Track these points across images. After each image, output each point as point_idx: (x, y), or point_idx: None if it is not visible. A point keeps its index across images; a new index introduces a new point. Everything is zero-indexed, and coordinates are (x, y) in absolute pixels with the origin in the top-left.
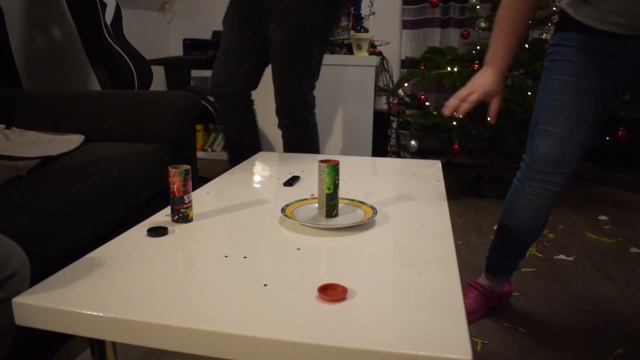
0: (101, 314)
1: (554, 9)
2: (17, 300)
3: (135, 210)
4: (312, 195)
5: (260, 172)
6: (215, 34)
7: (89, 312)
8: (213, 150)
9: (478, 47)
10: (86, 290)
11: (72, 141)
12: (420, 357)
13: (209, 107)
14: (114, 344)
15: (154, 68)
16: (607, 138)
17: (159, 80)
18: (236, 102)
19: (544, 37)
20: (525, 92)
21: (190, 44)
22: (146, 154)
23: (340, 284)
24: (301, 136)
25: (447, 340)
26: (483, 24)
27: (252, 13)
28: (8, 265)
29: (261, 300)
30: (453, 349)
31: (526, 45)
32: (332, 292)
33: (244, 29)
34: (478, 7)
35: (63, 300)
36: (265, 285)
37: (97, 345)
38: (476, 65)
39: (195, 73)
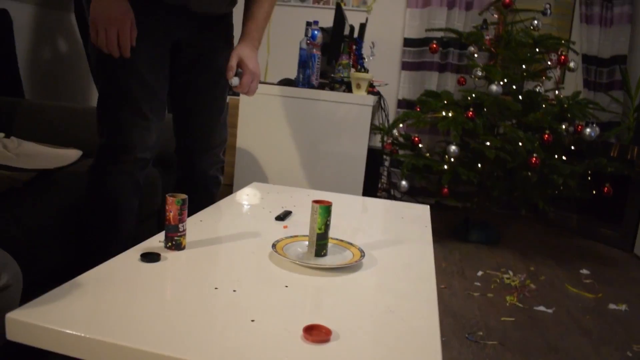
0: (88, 336)
1: (549, 63)
2: (9, 316)
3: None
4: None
5: (253, 203)
6: None
7: (76, 333)
8: None
9: (473, 95)
10: (77, 310)
11: (69, 156)
12: None
13: None
14: None
15: None
16: (594, 192)
17: None
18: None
19: (537, 89)
20: (516, 143)
21: None
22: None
23: (325, 325)
24: (207, 197)
25: None
26: (480, 73)
27: (166, 54)
28: (1, 278)
29: (248, 336)
30: None
31: (519, 97)
32: (316, 333)
33: (163, 73)
34: (476, 55)
35: (53, 319)
36: (252, 320)
37: None
38: (470, 113)
39: None
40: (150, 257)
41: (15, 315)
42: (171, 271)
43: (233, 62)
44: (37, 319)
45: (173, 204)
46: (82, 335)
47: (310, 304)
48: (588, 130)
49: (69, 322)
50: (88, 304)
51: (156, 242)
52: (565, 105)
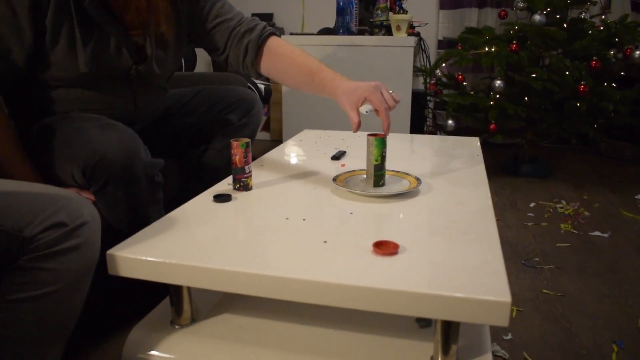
0: (181, 263)
1: None
2: (110, 252)
3: None
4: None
5: (308, 147)
6: (254, 16)
7: (169, 261)
8: None
9: (516, 27)
10: (166, 244)
11: None
12: (466, 299)
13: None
14: (189, 291)
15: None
16: None
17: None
18: None
19: (582, 16)
20: (563, 72)
21: None
22: None
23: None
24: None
25: (489, 286)
26: (521, 4)
27: None
28: (80, 215)
29: (323, 253)
30: (495, 293)
31: (564, 25)
32: (385, 247)
33: None
34: None
35: (147, 253)
36: (325, 242)
37: (175, 293)
38: (514, 45)
39: None
40: (222, 197)
41: (115, 252)
42: (243, 208)
43: (355, 119)
44: (135, 253)
45: (238, 148)
46: (173, 262)
47: (375, 226)
48: (638, 53)
49: (164, 253)
50: (177, 238)
51: (225, 185)
52: (613, 30)
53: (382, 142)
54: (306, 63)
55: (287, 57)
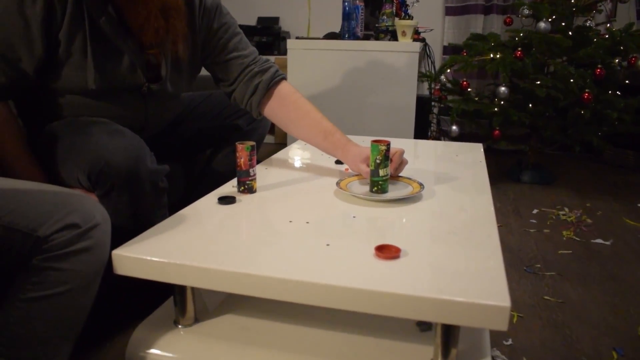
0: (185, 263)
1: None
2: (115, 252)
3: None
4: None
5: (312, 151)
6: (261, 20)
7: (173, 262)
8: None
9: (521, 34)
10: (171, 244)
11: None
12: (466, 303)
13: None
14: (193, 291)
15: None
16: None
17: None
18: None
19: (588, 24)
20: (567, 80)
21: None
22: None
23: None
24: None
25: (489, 291)
26: (527, 11)
27: None
28: (92, 217)
29: (325, 256)
30: (495, 298)
31: (569, 33)
32: (387, 251)
33: None
34: None
35: (155, 252)
36: (327, 245)
37: (179, 293)
38: (519, 52)
39: None
40: (226, 199)
41: (121, 251)
42: (247, 210)
43: (365, 169)
44: (140, 253)
45: (243, 151)
46: (178, 262)
47: (378, 230)
48: None
49: (169, 254)
50: (181, 239)
51: (229, 187)
52: (618, 38)
53: (376, 149)
54: (319, 120)
55: (300, 108)
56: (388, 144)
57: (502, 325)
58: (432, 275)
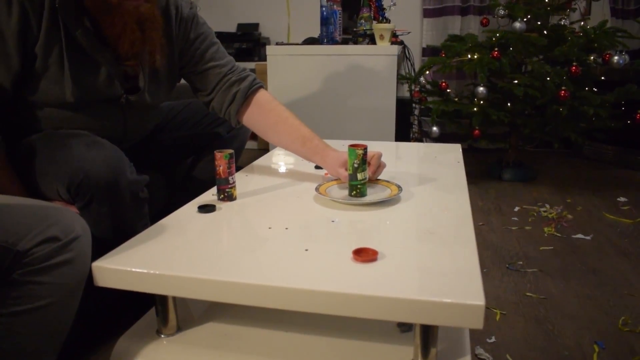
0: (165, 273)
1: None
2: (95, 264)
3: None
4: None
5: (292, 157)
6: (241, 26)
7: (154, 272)
8: None
9: (498, 34)
10: (151, 254)
11: None
12: (442, 303)
13: None
14: (175, 301)
15: None
16: (628, 122)
17: None
18: None
19: (562, 22)
20: (544, 78)
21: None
22: None
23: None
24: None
25: (464, 290)
26: (502, 11)
27: None
28: (72, 230)
29: (304, 261)
30: (470, 297)
31: (545, 32)
32: (364, 254)
33: None
34: None
35: (135, 263)
36: (306, 250)
37: (161, 303)
38: (496, 52)
39: None
40: (206, 208)
41: (101, 263)
42: (227, 218)
43: (344, 174)
44: (121, 264)
45: (221, 159)
46: (163, 273)
47: (356, 233)
48: (616, 58)
49: (149, 264)
50: (161, 249)
51: (209, 195)
52: (592, 36)
53: (353, 153)
54: (297, 127)
55: (278, 115)
56: (365, 148)
57: (478, 324)
58: (408, 276)
